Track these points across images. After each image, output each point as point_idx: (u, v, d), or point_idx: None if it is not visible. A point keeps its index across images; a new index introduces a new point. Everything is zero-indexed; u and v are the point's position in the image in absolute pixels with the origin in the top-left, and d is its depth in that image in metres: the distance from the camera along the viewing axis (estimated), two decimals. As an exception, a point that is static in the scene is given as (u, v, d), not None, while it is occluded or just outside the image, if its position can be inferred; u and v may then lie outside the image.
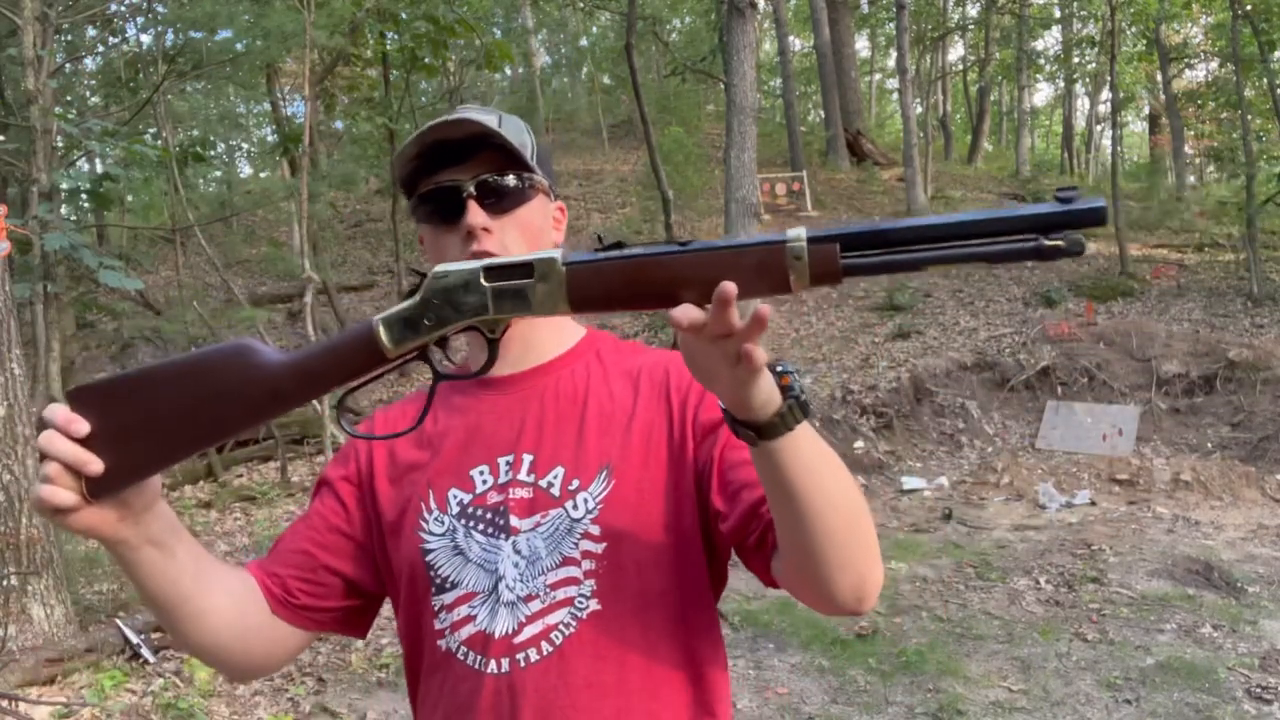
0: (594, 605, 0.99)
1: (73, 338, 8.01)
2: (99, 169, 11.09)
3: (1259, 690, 3.72)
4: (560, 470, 1.03)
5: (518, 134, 1.07)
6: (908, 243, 0.74)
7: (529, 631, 0.99)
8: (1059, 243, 0.71)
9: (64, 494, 0.80)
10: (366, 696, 4.02)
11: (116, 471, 0.81)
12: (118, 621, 4.35)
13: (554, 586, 1.00)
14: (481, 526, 1.03)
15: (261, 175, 19.28)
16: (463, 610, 1.02)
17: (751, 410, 0.79)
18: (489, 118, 1.04)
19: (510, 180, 1.05)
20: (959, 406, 8.86)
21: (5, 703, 3.66)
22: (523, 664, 0.98)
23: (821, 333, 11.00)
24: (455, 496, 1.06)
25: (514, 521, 1.02)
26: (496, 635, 1.00)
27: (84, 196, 7.83)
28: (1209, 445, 8.02)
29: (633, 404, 1.07)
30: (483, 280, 0.83)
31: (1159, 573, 5.22)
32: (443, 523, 1.05)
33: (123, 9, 10.15)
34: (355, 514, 1.10)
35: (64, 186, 6.65)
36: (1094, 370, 8.96)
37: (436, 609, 1.04)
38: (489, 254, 1.01)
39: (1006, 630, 4.51)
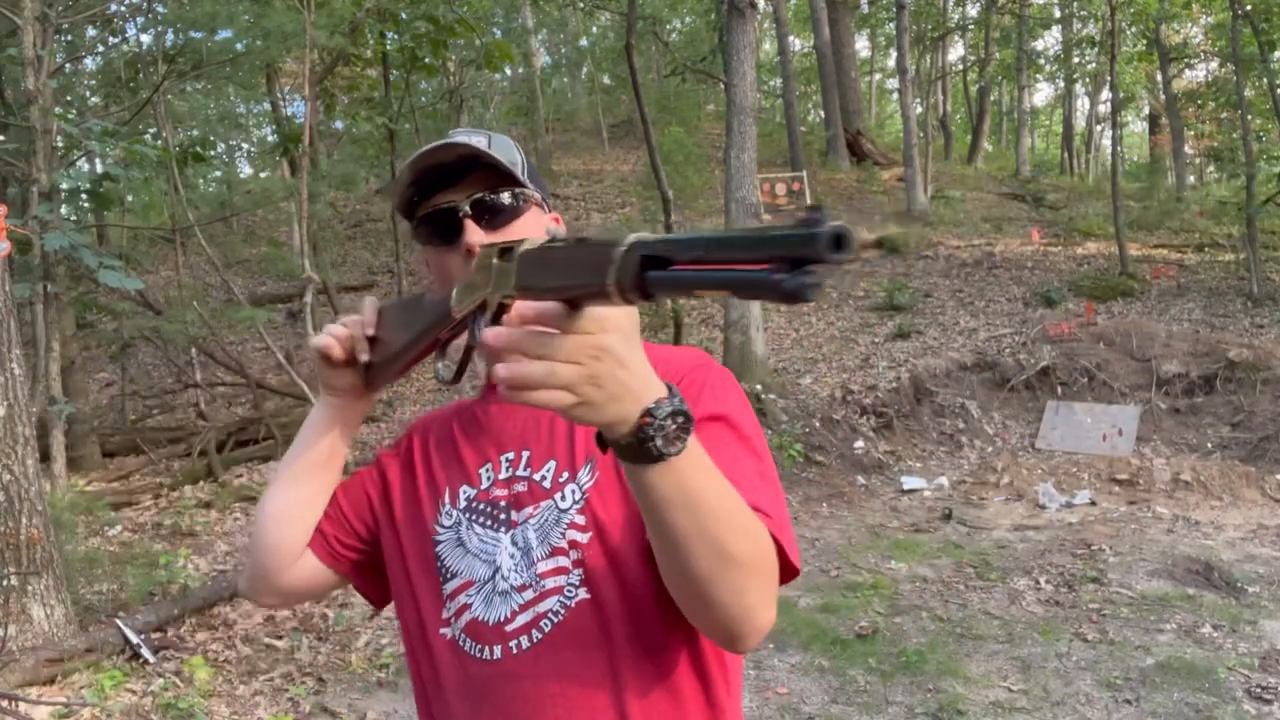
0: (583, 594, 1.01)
1: (73, 338, 8.00)
2: (99, 169, 11.09)
3: (1259, 690, 3.72)
4: (553, 464, 1.08)
5: (507, 152, 1.11)
6: (692, 260, 0.65)
7: (521, 620, 1.03)
8: (781, 280, 0.58)
9: (340, 350, 1.10)
10: (366, 696, 4.02)
11: (376, 367, 1.11)
12: (118, 621, 4.35)
13: (544, 576, 1.03)
14: (482, 520, 1.09)
15: (261, 175, 19.28)
16: (461, 599, 1.07)
17: (603, 427, 0.75)
18: (479, 139, 1.09)
19: (504, 197, 1.10)
20: (959, 406, 8.86)
21: (5, 703, 3.66)
22: (514, 650, 1.02)
23: (821, 333, 11.00)
24: (464, 492, 1.12)
25: (514, 515, 1.07)
26: (490, 622, 1.04)
27: (84, 196, 7.83)
28: (1209, 445, 8.02)
29: None
30: (495, 258, 0.89)
31: (1159, 573, 5.22)
32: (451, 516, 1.12)
33: (123, 9, 10.15)
34: (386, 490, 1.20)
35: (64, 186, 6.64)
36: (1094, 370, 8.96)
37: (443, 598, 1.09)
38: None
39: (1006, 630, 4.51)
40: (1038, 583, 5.17)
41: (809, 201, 15.44)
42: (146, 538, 6.39)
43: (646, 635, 1.01)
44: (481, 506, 1.10)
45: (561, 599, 1.02)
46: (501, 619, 1.03)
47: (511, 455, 1.11)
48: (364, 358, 1.10)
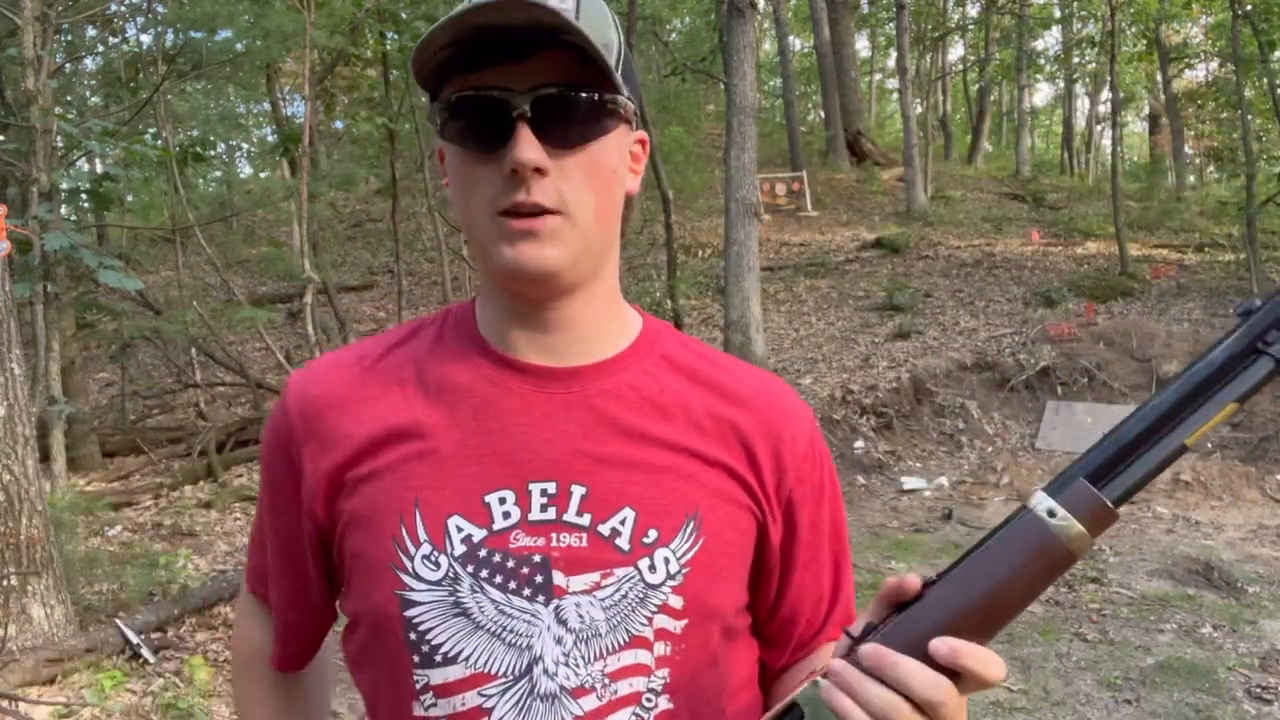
0: (664, 704, 0.75)
1: (73, 338, 8.01)
2: (99, 169, 11.10)
3: (1259, 690, 3.72)
4: (629, 514, 0.75)
5: (602, 29, 0.71)
6: (1146, 439, 0.63)
7: None
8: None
9: None
10: (366, 696, 4.02)
11: None
12: (118, 621, 4.35)
13: (615, 676, 0.74)
14: (501, 579, 0.74)
15: (261, 175, 19.29)
16: (470, 699, 0.74)
17: None
18: (564, 3, 0.69)
19: (587, 98, 0.71)
20: (959, 406, 8.86)
21: (5, 703, 3.66)
22: None
23: (821, 333, 11.00)
24: (460, 529, 0.75)
25: (559, 580, 0.74)
26: None
27: (84, 196, 7.82)
28: (1209, 445, 8.02)
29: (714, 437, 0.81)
30: None
31: (1159, 573, 5.22)
32: (437, 565, 0.74)
33: (123, 9, 10.17)
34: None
35: (64, 186, 6.65)
36: (1094, 370, 8.96)
37: (419, 688, 0.76)
38: (536, 205, 0.71)
39: (1006, 630, 4.50)
40: (1038, 583, 5.17)
41: (809, 202, 15.46)
42: (146, 538, 6.39)
43: None
44: (496, 558, 0.74)
45: (637, 711, 0.74)
46: None
47: (551, 487, 0.75)
48: None
